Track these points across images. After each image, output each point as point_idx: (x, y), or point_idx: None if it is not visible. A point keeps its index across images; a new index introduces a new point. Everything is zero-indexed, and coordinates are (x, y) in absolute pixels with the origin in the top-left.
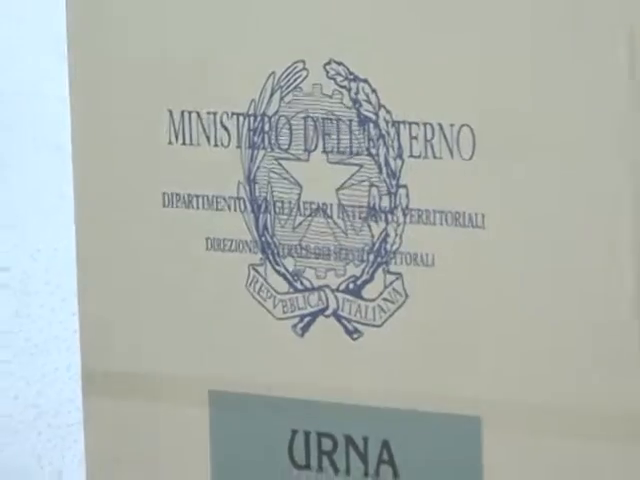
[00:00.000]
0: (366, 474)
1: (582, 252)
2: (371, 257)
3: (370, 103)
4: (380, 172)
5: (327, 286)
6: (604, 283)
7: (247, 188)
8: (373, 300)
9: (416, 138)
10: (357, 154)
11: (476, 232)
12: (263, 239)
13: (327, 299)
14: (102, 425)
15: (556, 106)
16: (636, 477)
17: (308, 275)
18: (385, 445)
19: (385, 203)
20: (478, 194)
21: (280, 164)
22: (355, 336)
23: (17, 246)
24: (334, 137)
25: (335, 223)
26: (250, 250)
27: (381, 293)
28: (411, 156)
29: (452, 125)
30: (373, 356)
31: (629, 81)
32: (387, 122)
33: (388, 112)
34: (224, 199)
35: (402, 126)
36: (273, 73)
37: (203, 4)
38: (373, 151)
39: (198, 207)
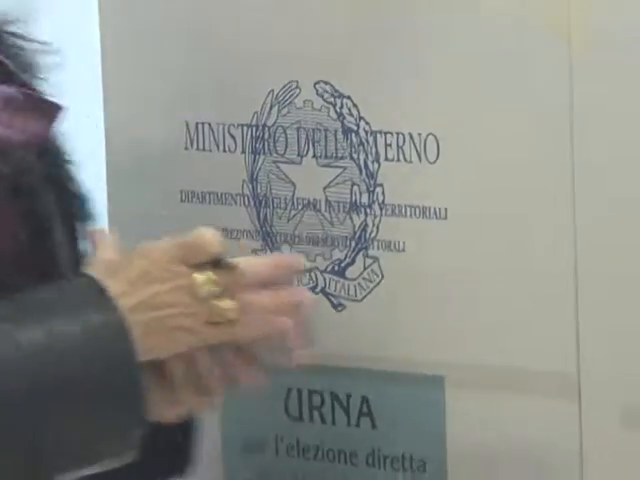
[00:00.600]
0: (348, 424)
1: (527, 239)
2: (353, 244)
3: (352, 116)
4: (360, 173)
5: (316, 268)
6: (546, 263)
7: (250, 186)
8: (354, 279)
9: (390, 145)
10: (341, 158)
11: (440, 223)
12: (264, 229)
13: (316, 278)
14: None
15: (503, 122)
16: (568, 425)
17: (304, 253)
18: (364, 400)
19: (364, 199)
20: (442, 191)
21: (277, 166)
22: (339, 309)
23: None
24: (322, 144)
25: (323, 215)
26: (253, 238)
27: (361, 273)
28: (386, 160)
29: (420, 134)
30: (354, 326)
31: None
32: (366, 132)
33: (367, 123)
34: (231, 196)
35: (379, 135)
36: (272, 91)
37: (215, 37)
38: (354, 156)
39: (210, 202)
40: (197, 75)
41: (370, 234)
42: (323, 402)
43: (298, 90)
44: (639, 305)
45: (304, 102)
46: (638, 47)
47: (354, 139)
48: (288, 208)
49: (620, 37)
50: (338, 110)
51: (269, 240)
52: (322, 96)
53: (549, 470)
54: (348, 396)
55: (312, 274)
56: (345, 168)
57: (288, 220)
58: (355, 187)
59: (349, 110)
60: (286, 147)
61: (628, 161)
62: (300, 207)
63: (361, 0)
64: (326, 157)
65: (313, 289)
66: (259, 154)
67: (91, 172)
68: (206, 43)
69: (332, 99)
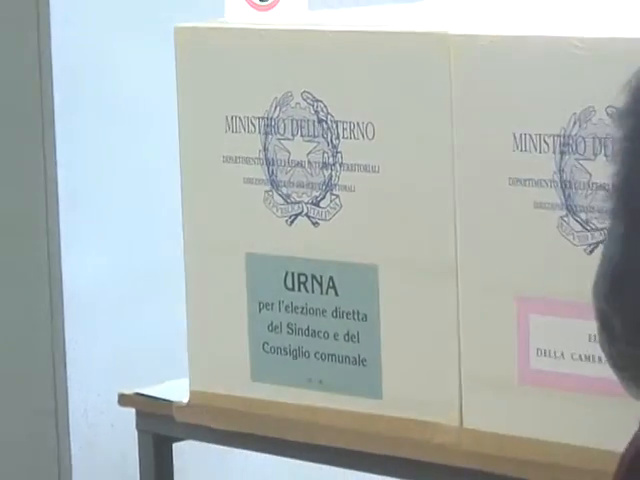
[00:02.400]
0: (321, 293)
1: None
2: (324, 187)
3: (323, 112)
4: (328, 145)
5: (303, 201)
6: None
7: (264, 153)
8: (324, 207)
9: (346, 129)
10: (316, 137)
11: (375, 175)
12: (272, 178)
13: (303, 207)
14: None
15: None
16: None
17: (294, 196)
18: (331, 279)
19: (330, 161)
20: (377, 156)
21: (280, 142)
22: (316, 226)
23: None
24: (306, 129)
25: (307, 170)
26: (264, 184)
27: (329, 204)
28: (344, 138)
29: (364, 122)
30: (324, 235)
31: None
32: (332, 121)
33: (332, 116)
34: (252, 159)
35: (340, 124)
36: (276, 97)
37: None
38: (325, 135)
39: (239, 163)
40: (232, 89)
41: (334, 181)
42: (307, 280)
43: (291, 97)
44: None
45: (295, 104)
46: None
47: (324, 125)
48: (286, 165)
49: None
50: (315, 109)
51: (275, 185)
52: (306, 100)
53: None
54: (321, 276)
55: (301, 205)
56: (319, 142)
57: (286, 173)
58: (325, 154)
59: (322, 109)
60: (284, 130)
61: None
62: (293, 165)
63: (340, 48)
64: (308, 136)
65: (300, 214)
66: (268, 134)
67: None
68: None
69: (312, 102)
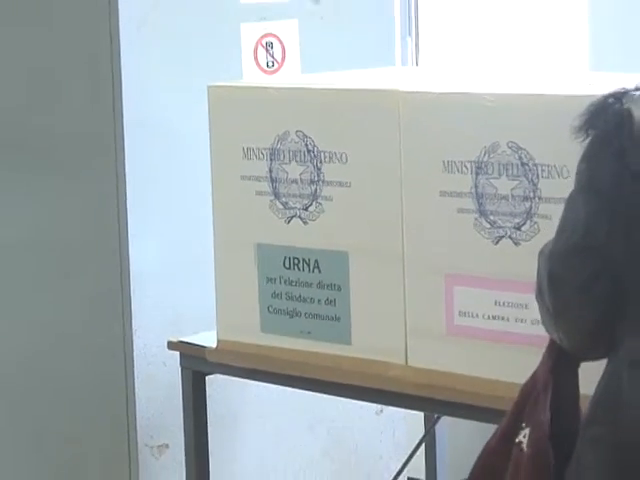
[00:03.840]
0: (309, 272)
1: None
2: (311, 197)
3: (311, 145)
4: (314, 168)
5: (296, 207)
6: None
7: (269, 174)
8: (311, 211)
9: (327, 157)
10: (305, 162)
11: (347, 189)
12: (275, 191)
13: (296, 211)
14: None
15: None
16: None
17: (290, 204)
18: (317, 263)
19: (316, 179)
20: (349, 175)
21: (281, 166)
22: (306, 225)
23: None
24: (299, 157)
25: (299, 185)
26: (270, 195)
27: (315, 209)
28: (325, 162)
29: (339, 152)
30: (313, 233)
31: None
32: (317, 151)
33: (317, 148)
34: (262, 177)
35: (322, 153)
36: (278, 134)
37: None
38: (312, 161)
39: (252, 180)
40: (250, 128)
41: (318, 193)
42: (299, 262)
43: (289, 134)
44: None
45: (291, 139)
46: None
47: (312, 154)
48: (285, 182)
49: None
50: (305, 142)
51: (275, 189)
52: (298, 136)
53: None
54: (309, 260)
55: (294, 210)
56: (308, 166)
57: (285, 187)
58: (312, 174)
59: (310, 142)
60: (284, 158)
61: None
62: (290, 182)
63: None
64: (300, 162)
65: (294, 216)
66: (273, 160)
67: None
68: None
69: (303, 138)
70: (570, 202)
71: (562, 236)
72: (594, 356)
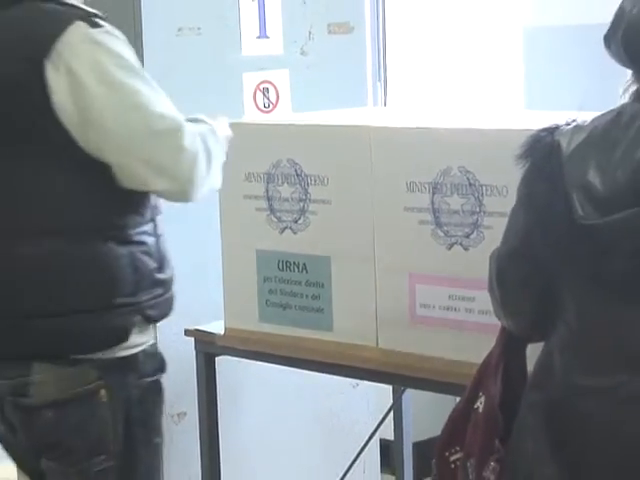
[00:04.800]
0: (299, 272)
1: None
2: (300, 212)
3: (300, 170)
4: (302, 189)
5: (288, 220)
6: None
7: (266, 193)
8: (300, 224)
9: (312, 179)
10: (295, 184)
11: (329, 206)
12: (271, 207)
13: (288, 224)
14: None
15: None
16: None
17: (283, 218)
18: (304, 265)
19: (304, 197)
20: (330, 195)
21: (275, 187)
22: (295, 234)
23: None
24: (290, 180)
25: (290, 203)
26: (266, 211)
27: (303, 222)
28: (311, 185)
29: (322, 175)
30: (301, 241)
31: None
32: (304, 175)
33: (304, 172)
34: (260, 197)
35: (309, 177)
36: (272, 161)
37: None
38: (301, 183)
39: (252, 199)
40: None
41: (305, 208)
42: (290, 264)
43: (281, 161)
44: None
45: (283, 165)
46: None
47: (300, 178)
48: (278, 200)
49: None
50: (295, 168)
51: (271, 205)
52: (289, 163)
53: None
54: (298, 262)
55: (286, 222)
56: (297, 187)
57: (279, 204)
58: (300, 193)
59: (299, 168)
60: (277, 180)
61: None
62: (282, 200)
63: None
64: (290, 184)
65: (286, 228)
66: (269, 182)
67: None
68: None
69: (293, 164)
70: (512, 214)
71: (506, 241)
72: (535, 339)
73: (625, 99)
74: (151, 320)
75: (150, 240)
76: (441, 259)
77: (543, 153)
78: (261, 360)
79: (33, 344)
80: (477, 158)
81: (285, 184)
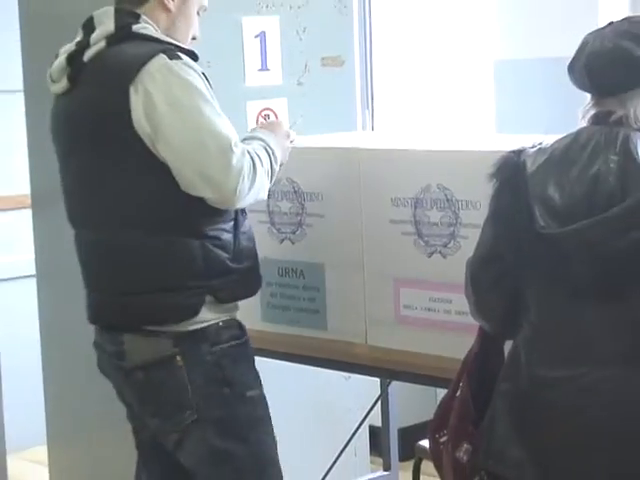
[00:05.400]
0: (296, 277)
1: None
2: (297, 225)
3: (297, 187)
4: (299, 204)
5: (287, 232)
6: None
7: (268, 208)
8: (297, 235)
9: (308, 196)
10: (293, 200)
11: (323, 219)
12: (271, 220)
13: (287, 235)
14: None
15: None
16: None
17: (282, 229)
18: (302, 271)
19: (300, 211)
20: (324, 209)
21: (275, 203)
22: (294, 244)
23: None
24: (288, 196)
25: (288, 216)
26: (268, 224)
27: (299, 233)
28: (307, 201)
29: (317, 192)
30: (299, 250)
31: None
32: (301, 192)
33: (302, 190)
34: (262, 211)
35: (305, 193)
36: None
37: None
38: (298, 199)
39: (256, 213)
40: None
41: (302, 221)
42: (289, 271)
43: (281, 180)
44: None
45: (283, 184)
46: None
47: (297, 195)
48: (278, 214)
49: None
50: (293, 186)
51: (271, 218)
52: (288, 182)
53: None
54: (296, 269)
55: (285, 234)
56: (294, 203)
57: (279, 218)
58: (298, 208)
59: (296, 186)
60: (277, 197)
61: None
62: (282, 214)
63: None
64: (289, 200)
65: (285, 239)
66: (270, 199)
67: None
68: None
69: (291, 183)
70: (484, 225)
71: (478, 249)
72: (507, 337)
73: (584, 122)
74: (222, 300)
75: (226, 236)
76: (422, 266)
77: (510, 171)
78: (263, 355)
79: (124, 316)
80: (454, 176)
81: (284, 200)
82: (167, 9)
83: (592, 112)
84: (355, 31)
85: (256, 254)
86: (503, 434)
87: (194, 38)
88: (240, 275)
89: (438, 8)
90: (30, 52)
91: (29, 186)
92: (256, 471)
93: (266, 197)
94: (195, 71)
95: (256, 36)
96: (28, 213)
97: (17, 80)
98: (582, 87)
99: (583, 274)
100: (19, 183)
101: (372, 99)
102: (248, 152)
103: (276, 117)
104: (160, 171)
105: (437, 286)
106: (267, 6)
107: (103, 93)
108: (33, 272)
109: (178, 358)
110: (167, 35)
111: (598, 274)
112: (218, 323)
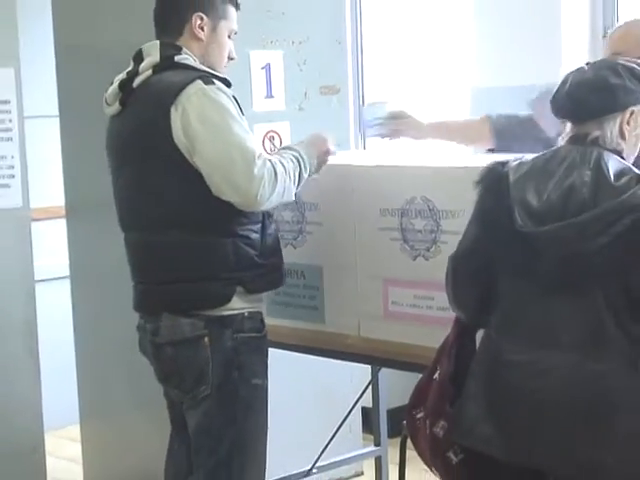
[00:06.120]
0: (297, 278)
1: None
2: (298, 232)
3: (298, 199)
4: (300, 214)
5: (289, 238)
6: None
7: (274, 217)
8: (299, 241)
9: (308, 206)
10: (294, 211)
11: (321, 227)
12: (276, 225)
13: (290, 241)
14: None
15: None
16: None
17: (285, 236)
18: (302, 272)
19: (301, 220)
20: (321, 218)
21: (279, 213)
22: (295, 249)
23: None
24: (290, 207)
25: (291, 225)
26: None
27: (301, 239)
28: (307, 210)
29: (315, 203)
30: (300, 254)
31: None
32: (301, 203)
33: (301, 200)
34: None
35: (305, 204)
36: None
37: None
38: (300, 210)
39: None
40: None
41: (303, 229)
42: (291, 272)
43: None
44: None
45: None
46: None
47: (299, 205)
48: (282, 222)
49: None
50: (296, 201)
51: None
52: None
53: None
54: (297, 271)
55: (288, 240)
56: (296, 213)
57: (282, 226)
58: (299, 217)
59: (298, 198)
60: (280, 207)
61: None
62: (285, 222)
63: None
64: (291, 210)
65: (288, 244)
66: (275, 209)
67: None
68: None
69: (297, 202)
70: (468, 224)
71: (461, 245)
72: (480, 325)
73: (562, 142)
74: (251, 291)
75: (254, 236)
76: (408, 267)
77: (495, 179)
78: (270, 346)
79: (165, 301)
80: (436, 190)
81: (287, 210)
82: (199, 39)
83: (571, 134)
84: (349, 64)
85: (280, 253)
86: (473, 412)
87: (232, 58)
88: (266, 269)
89: (422, 40)
90: (64, 81)
91: (63, 199)
92: (236, 451)
93: (292, 199)
94: (226, 94)
95: (262, 67)
96: (62, 222)
97: (53, 106)
98: (564, 115)
99: (551, 270)
100: (53, 196)
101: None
102: (270, 161)
103: (280, 138)
104: (197, 180)
105: (421, 285)
106: (272, 41)
107: (149, 113)
108: (67, 274)
109: (205, 339)
110: (203, 60)
111: (564, 271)
112: (244, 313)
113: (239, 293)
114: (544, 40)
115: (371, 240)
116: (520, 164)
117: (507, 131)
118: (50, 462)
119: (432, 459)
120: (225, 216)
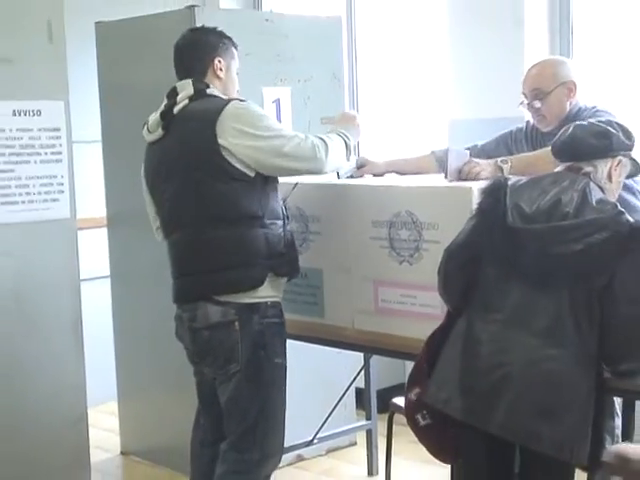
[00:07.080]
0: (301, 279)
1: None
2: (302, 240)
3: (302, 212)
4: (304, 224)
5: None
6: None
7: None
8: (302, 247)
9: (310, 218)
10: (299, 222)
11: (320, 236)
12: (285, 223)
13: (297, 244)
14: None
15: None
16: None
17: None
18: (305, 274)
19: (305, 230)
20: (321, 228)
21: (285, 210)
22: (300, 255)
23: None
24: (295, 218)
25: (297, 233)
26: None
27: (304, 246)
28: (310, 222)
29: (316, 215)
30: (303, 258)
31: None
32: (304, 216)
33: (305, 213)
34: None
35: (308, 216)
36: (283, 198)
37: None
38: (304, 221)
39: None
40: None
41: (306, 237)
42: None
43: (292, 208)
44: None
45: (289, 208)
46: None
47: (302, 217)
48: (294, 219)
49: None
50: (299, 211)
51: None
52: (295, 208)
53: None
54: (305, 273)
55: (295, 231)
56: (300, 224)
57: (292, 226)
58: (302, 227)
59: (302, 210)
60: (289, 220)
61: None
62: (300, 219)
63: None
64: (296, 222)
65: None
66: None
67: None
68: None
69: (298, 209)
70: (467, 221)
71: (457, 237)
72: (461, 310)
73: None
74: (279, 274)
75: (279, 230)
76: (394, 271)
77: (495, 188)
78: None
79: (204, 289)
80: (418, 205)
81: (293, 221)
82: (219, 77)
83: (566, 166)
84: (346, 98)
85: (296, 247)
86: (441, 378)
87: (238, 91)
88: (289, 258)
89: (406, 77)
90: (106, 112)
91: (105, 210)
92: (261, 419)
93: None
94: (257, 108)
95: (273, 102)
96: (103, 230)
97: (96, 133)
98: (564, 157)
99: (531, 263)
100: (96, 208)
101: (358, 148)
102: (313, 135)
103: None
104: (238, 181)
105: (406, 286)
106: (281, 80)
107: (195, 129)
108: (108, 273)
109: (236, 324)
110: (223, 94)
111: (541, 266)
112: (267, 302)
113: (269, 280)
114: (510, 76)
115: (364, 247)
116: (519, 180)
117: (444, 161)
118: (92, 432)
119: (407, 421)
120: (259, 212)
